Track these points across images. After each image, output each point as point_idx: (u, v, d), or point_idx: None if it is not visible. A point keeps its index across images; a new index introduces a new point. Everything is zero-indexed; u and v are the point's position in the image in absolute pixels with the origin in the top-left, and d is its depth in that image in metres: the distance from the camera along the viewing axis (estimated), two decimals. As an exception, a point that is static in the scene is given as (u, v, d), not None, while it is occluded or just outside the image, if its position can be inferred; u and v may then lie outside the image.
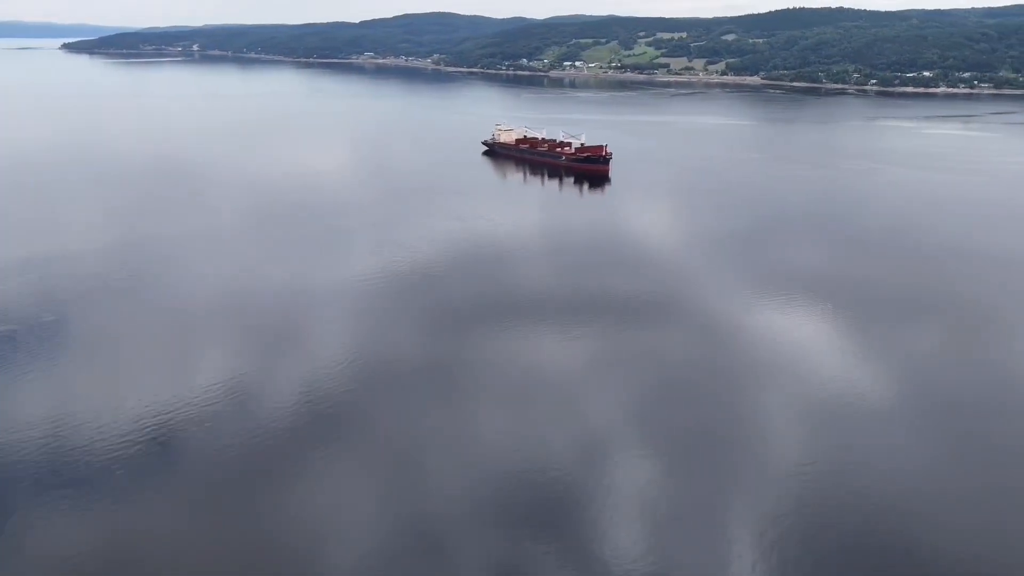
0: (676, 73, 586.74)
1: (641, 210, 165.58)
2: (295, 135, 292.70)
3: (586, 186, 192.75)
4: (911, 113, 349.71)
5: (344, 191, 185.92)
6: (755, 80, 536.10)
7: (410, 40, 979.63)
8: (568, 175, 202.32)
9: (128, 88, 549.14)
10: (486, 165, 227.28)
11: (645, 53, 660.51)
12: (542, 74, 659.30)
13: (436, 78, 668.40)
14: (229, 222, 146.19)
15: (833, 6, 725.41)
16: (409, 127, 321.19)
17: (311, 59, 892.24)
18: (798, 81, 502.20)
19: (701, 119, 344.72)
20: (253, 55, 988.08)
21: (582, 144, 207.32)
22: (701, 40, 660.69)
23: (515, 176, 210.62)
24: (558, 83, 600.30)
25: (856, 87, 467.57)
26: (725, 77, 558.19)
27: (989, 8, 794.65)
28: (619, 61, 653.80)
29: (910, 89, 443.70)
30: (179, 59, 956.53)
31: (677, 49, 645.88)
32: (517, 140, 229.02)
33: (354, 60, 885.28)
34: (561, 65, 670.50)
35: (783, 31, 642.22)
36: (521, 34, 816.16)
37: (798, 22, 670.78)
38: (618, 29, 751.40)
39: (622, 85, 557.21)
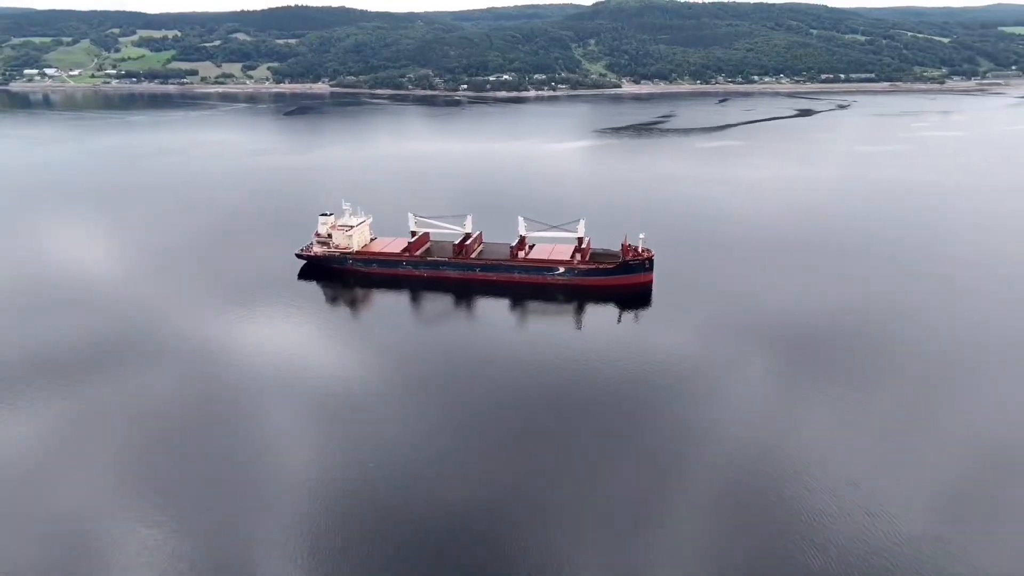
0: (216, 82, 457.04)
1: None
2: None
3: (611, 310, 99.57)
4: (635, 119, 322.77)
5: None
6: (322, 88, 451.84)
7: None
8: (567, 299, 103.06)
9: None
10: (317, 300, 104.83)
11: (144, 57, 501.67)
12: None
13: None
14: None
15: (334, 5, 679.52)
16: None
17: None
18: (379, 88, 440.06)
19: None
20: None
21: (579, 240, 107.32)
22: (213, 40, 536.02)
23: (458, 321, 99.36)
24: (24, 102, 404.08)
25: (445, 93, 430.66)
26: (283, 85, 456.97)
27: (463, 11, 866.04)
28: (112, 67, 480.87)
29: (503, 93, 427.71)
30: None
31: (192, 52, 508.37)
32: (410, 244, 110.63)
33: None
34: (22, 75, 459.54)
35: (306, 31, 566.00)
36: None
37: (316, 22, 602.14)
38: (79, 24, 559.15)
39: (133, 101, 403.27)
